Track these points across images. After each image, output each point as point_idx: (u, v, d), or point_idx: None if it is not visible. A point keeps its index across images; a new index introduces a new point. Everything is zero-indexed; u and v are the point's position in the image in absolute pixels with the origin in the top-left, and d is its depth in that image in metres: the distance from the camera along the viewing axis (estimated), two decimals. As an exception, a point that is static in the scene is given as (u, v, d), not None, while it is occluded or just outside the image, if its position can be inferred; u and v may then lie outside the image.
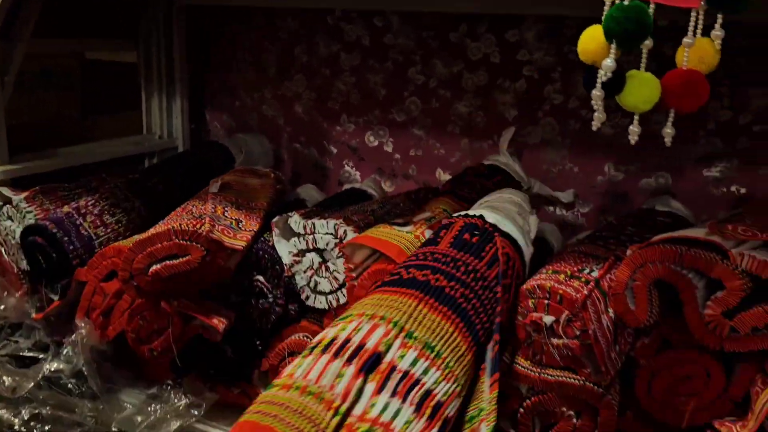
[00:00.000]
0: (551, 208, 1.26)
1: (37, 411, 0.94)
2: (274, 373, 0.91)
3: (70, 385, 0.94)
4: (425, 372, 0.57)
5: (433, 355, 0.59)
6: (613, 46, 0.51)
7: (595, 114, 0.56)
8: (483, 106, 1.26)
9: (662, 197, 1.08)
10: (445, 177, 1.30)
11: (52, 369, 0.91)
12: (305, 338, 0.89)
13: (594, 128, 0.58)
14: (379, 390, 0.55)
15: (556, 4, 1.07)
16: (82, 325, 0.93)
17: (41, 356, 0.95)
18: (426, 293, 0.65)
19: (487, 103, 1.26)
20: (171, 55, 1.41)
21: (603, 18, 0.51)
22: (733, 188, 1.10)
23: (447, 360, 0.60)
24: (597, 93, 0.53)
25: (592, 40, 0.52)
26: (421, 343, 0.59)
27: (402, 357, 0.58)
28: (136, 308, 0.89)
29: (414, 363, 0.58)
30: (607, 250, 0.79)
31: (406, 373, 0.57)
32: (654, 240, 0.65)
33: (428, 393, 0.56)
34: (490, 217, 0.78)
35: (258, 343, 0.91)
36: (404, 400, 0.55)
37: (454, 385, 0.58)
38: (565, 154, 1.22)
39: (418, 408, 0.55)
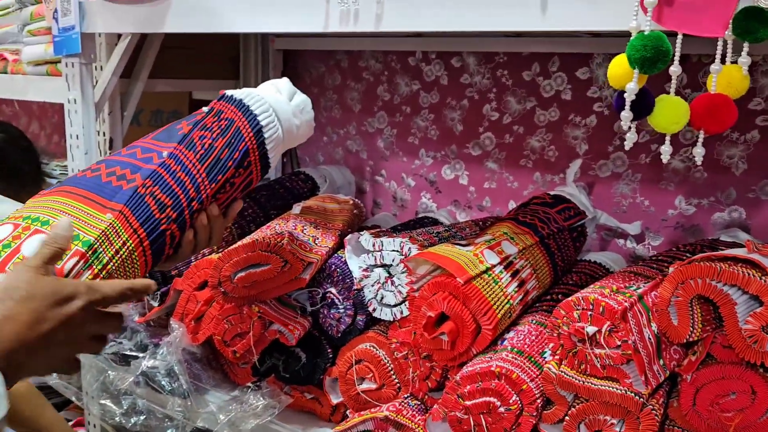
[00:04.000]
0: (621, 241, 1.27)
1: (134, 404, 1.06)
2: (343, 380, 0.98)
3: (164, 383, 1.05)
4: None
5: None
6: (636, 70, 0.56)
7: (627, 135, 0.61)
8: (555, 141, 1.31)
9: (731, 229, 1.08)
10: (518, 209, 1.35)
11: (149, 365, 1.02)
12: (371, 348, 0.96)
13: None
14: None
15: (621, 45, 1.11)
16: (177, 328, 1.04)
17: (141, 355, 1.07)
18: None
19: (559, 137, 1.30)
20: (267, 95, 1.56)
21: (627, 46, 0.57)
22: (810, 222, 1.09)
23: None
24: (626, 114, 0.58)
25: (618, 66, 0.58)
26: None
27: None
28: (223, 313, 0.99)
29: None
30: (658, 272, 0.82)
31: None
32: (695, 258, 0.68)
33: None
34: None
35: (329, 350, 0.99)
36: None
37: None
38: (636, 187, 1.24)
39: None
